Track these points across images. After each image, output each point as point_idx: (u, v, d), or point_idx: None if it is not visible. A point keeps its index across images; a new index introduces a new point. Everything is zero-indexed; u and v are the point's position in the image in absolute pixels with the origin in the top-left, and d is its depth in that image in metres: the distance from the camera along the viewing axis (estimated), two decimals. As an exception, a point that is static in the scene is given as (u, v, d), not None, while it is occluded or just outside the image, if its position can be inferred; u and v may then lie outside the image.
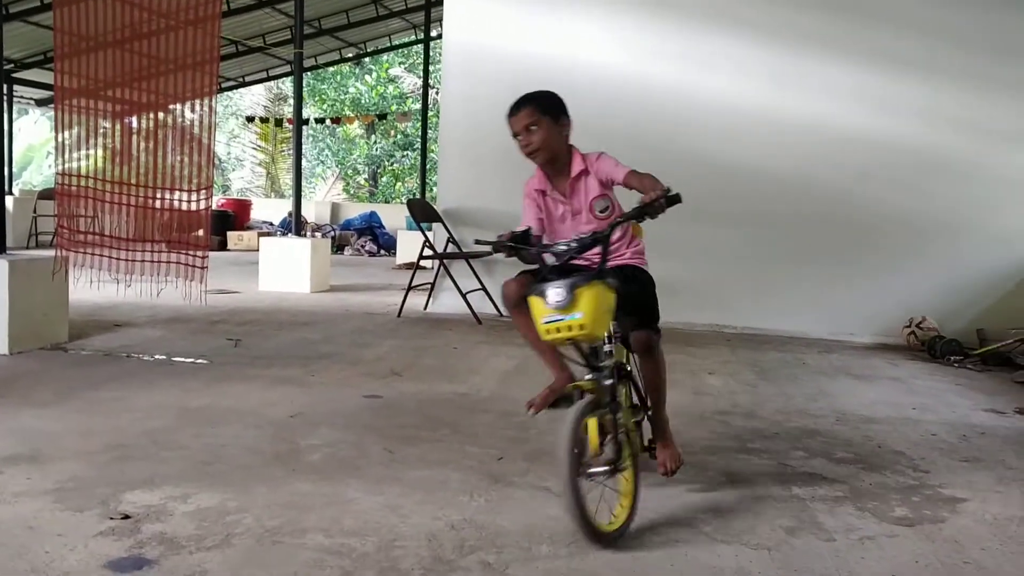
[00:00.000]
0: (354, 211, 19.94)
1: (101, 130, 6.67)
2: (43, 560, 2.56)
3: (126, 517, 2.90)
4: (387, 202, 25.91)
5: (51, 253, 6.19)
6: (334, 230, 17.90)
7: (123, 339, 6.34)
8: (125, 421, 4.13)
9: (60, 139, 6.27)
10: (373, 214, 18.26)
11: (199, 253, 6.18)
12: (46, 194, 16.36)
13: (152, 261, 6.19)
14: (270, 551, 2.69)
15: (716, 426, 4.51)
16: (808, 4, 7.86)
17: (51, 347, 5.91)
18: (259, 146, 27.25)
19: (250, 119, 22.66)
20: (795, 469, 3.79)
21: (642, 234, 3.47)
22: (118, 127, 6.57)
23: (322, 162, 27.71)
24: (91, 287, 6.29)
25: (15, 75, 15.92)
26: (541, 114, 3.35)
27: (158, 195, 6.46)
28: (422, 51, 18.01)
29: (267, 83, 23.51)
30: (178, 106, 6.46)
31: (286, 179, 27.78)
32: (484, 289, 8.17)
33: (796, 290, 7.96)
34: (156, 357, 5.72)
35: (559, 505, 3.16)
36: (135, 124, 6.76)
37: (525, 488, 3.38)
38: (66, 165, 6.26)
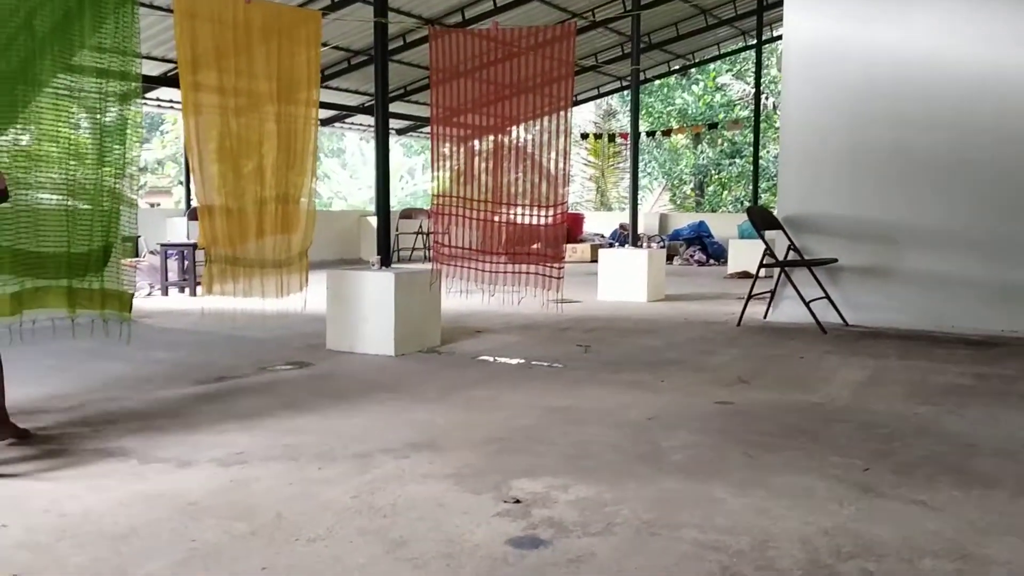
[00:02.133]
0: (682, 221, 20.04)
1: (464, 152, 7.37)
2: (455, 532, 2.93)
3: (517, 501, 3.23)
4: (713, 211, 25.74)
5: (417, 267, 6.94)
6: (663, 240, 18.13)
7: (485, 344, 6.94)
8: (499, 417, 4.56)
9: (434, 163, 7.01)
10: (702, 223, 18.22)
11: (556, 265, 6.65)
12: (406, 214, 18.21)
13: (514, 272, 6.74)
14: (650, 541, 2.86)
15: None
16: None
17: (427, 350, 6.62)
18: (589, 161, 28.29)
19: (584, 136, 23.66)
20: None
21: None
22: (483, 149, 7.22)
23: (648, 174, 28.12)
24: (460, 297, 6.94)
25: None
26: None
27: (519, 211, 7.02)
28: (751, 57, 17.73)
29: (596, 100, 24.35)
30: (536, 125, 7.00)
31: (614, 193, 28.56)
32: (828, 297, 7.90)
33: None
34: (516, 361, 6.21)
35: (938, 519, 3.06)
36: (493, 145, 7.40)
37: (897, 500, 3.28)
38: (439, 187, 6.99)
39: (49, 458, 3.80)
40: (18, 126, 4.97)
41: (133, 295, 5.31)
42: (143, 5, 10.77)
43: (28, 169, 4.92)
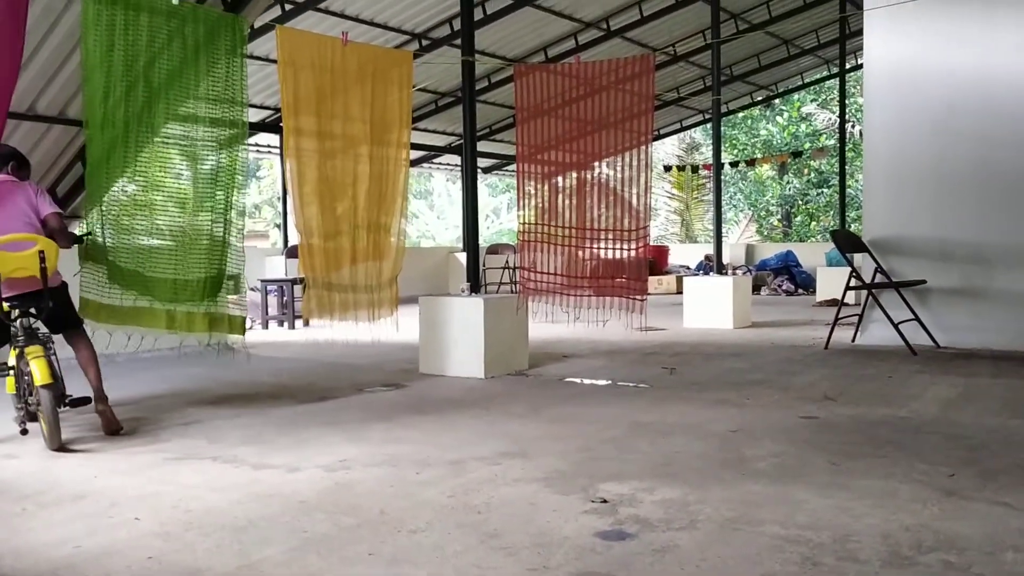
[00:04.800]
0: (769, 251, 19.87)
1: (548, 188, 7.63)
2: (546, 527, 3.11)
3: (604, 501, 3.39)
4: (802, 241, 25.39)
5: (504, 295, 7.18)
6: (749, 271, 18.01)
7: (572, 367, 7.11)
8: (587, 430, 4.73)
9: (521, 198, 7.29)
10: (789, 253, 18.05)
11: (639, 295, 6.86)
12: (492, 249, 18.55)
13: (597, 295, 6.94)
14: (732, 535, 2.99)
15: None
16: None
17: (515, 373, 6.83)
18: (673, 194, 28.30)
19: (667, 168, 23.75)
20: None
21: None
22: (567, 185, 7.47)
23: (734, 206, 27.95)
24: (545, 322, 7.15)
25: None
26: None
27: (602, 246, 7.25)
28: (836, 85, 17.62)
29: (679, 133, 24.45)
30: (618, 161, 7.23)
31: (699, 225, 28.46)
32: (918, 319, 7.83)
33: None
34: (603, 382, 6.37)
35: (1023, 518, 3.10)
36: (576, 181, 7.64)
37: (982, 502, 3.32)
38: (525, 218, 7.26)
39: (171, 464, 4.13)
40: (128, 174, 5.43)
41: (244, 318, 5.72)
42: (244, 55, 11.43)
43: (133, 216, 5.37)
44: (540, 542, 2.95)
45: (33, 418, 4.63)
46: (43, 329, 4.77)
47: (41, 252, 4.56)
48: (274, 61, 11.89)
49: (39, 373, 4.33)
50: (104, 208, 5.27)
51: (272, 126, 14.43)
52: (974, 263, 7.77)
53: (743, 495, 3.45)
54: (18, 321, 4.65)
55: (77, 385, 4.88)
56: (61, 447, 4.39)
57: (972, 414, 5.01)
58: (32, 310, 4.67)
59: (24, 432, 4.62)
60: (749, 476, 3.73)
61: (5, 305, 4.57)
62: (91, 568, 2.80)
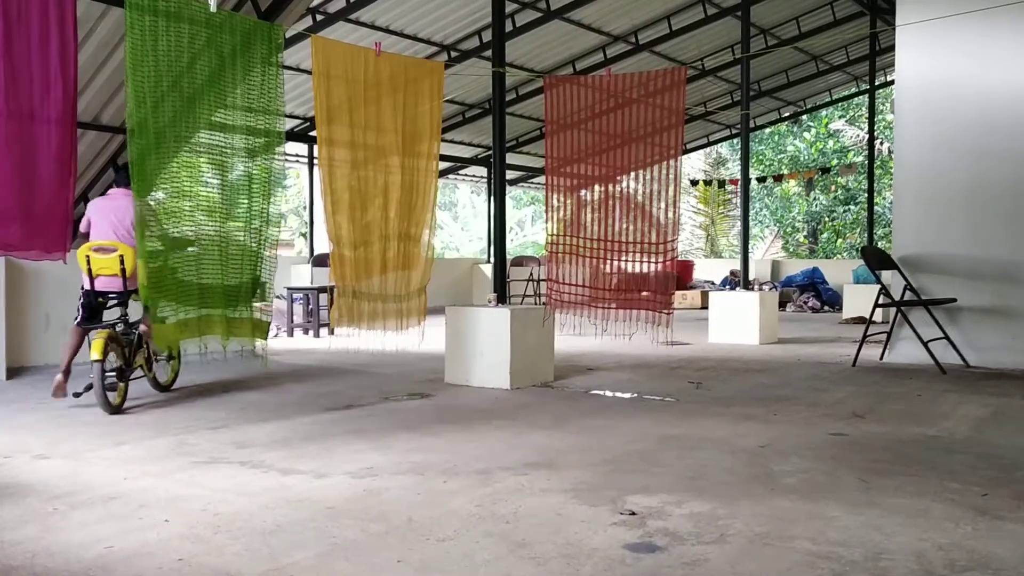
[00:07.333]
0: (795, 268, 19.74)
1: (575, 201, 7.62)
2: (574, 537, 3.10)
3: (632, 514, 3.38)
4: (828, 258, 25.22)
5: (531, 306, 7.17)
6: (775, 287, 17.90)
7: (597, 380, 7.09)
8: (614, 442, 4.72)
9: (549, 211, 7.29)
10: (816, 270, 17.92)
11: (665, 309, 6.84)
12: (517, 261, 18.57)
13: (622, 308, 6.93)
14: (762, 550, 2.97)
15: None
16: None
17: (541, 385, 6.81)
18: (699, 209, 28.20)
19: (694, 182, 23.70)
20: None
21: None
22: (594, 198, 7.47)
23: (760, 222, 27.79)
24: (571, 334, 7.14)
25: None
26: None
27: (628, 259, 7.23)
28: (864, 102, 17.52)
29: (705, 148, 24.39)
30: (646, 174, 7.22)
31: (724, 241, 28.34)
32: (947, 338, 7.74)
33: None
34: (628, 395, 6.35)
35: (1059, 538, 3.05)
36: (603, 195, 7.63)
37: (1016, 522, 3.28)
38: (553, 229, 7.26)
39: (200, 467, 4.16)
40: (158, 181, 5.51)
41: (268, 323, 5.84)
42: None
43: (162, 223, 5.46)
44: (569, 552, 2.94)
45: (112, 388, 5.59)
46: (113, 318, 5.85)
47: (120, 256, 5.54)
48: (303, 71, 12.00)
49: (94, 351, 5.41)
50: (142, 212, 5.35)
51: (300, 135, 14.54)
52: (1007, 282, 7.68)
53: (773, 510, 3.42)
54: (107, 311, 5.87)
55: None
56: (114, 411, 5.50)
57: (1004, 434, 4.94)
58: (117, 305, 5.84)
59: (76, 395, 5.60)
60: (778, 492, 3.70)
61: (99, 298, 5.78)
62: (122, 568, 2.82)
